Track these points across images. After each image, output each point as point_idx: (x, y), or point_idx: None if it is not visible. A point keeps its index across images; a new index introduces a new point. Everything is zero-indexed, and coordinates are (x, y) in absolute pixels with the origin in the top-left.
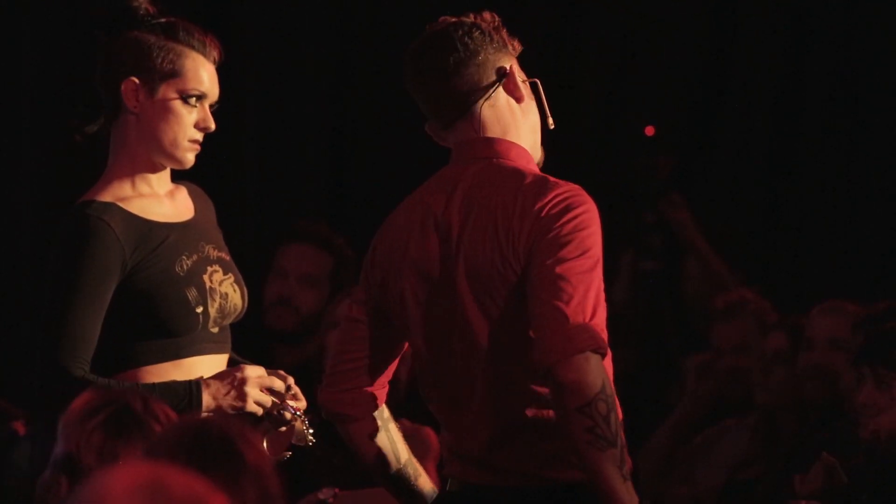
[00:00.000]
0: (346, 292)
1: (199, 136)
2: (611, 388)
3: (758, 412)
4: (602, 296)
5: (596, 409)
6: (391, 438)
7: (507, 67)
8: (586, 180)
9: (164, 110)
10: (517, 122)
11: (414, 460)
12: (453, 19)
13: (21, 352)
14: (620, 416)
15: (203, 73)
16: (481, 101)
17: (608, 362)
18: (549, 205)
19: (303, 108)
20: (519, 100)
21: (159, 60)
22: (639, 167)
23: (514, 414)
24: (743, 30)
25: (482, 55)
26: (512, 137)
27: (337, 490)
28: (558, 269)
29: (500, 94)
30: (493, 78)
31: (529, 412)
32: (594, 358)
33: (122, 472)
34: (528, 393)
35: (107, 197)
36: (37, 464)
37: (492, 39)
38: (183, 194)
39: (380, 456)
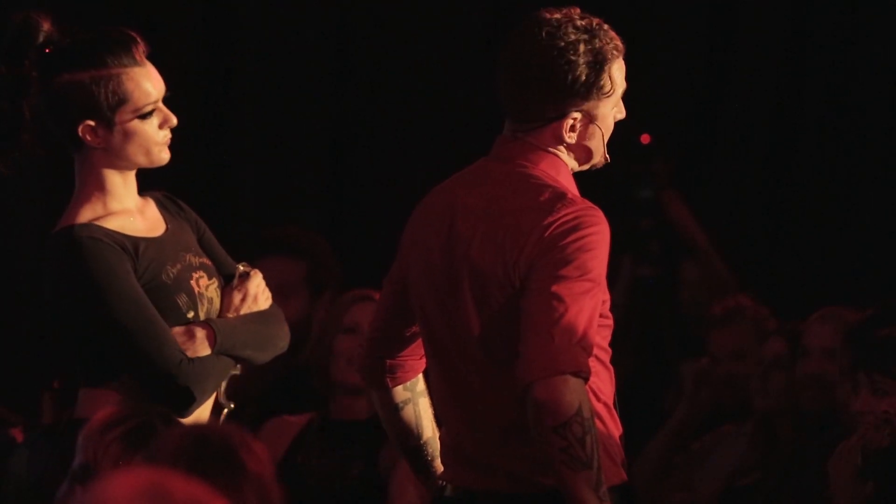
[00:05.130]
0: (331, 292)
1: (168, 133)
2: (589, 411)
3: (756, 418)
4: (593, 319)
5: (570, 430)
6: (417, 413)
7: (567, 120)
8: (583, 185)
9: (128, 135)
10: (562, 150)
11: (437, 440)
12: (562, 36)
13: (20, 358)
14: (619, 429)
15: (146, 84)
16: (532, 125)
17: (608, 380)
18: (558, 222)
19: (302, 109)
20: (564, 142)
21: (103, 96)
22: (636, 173)
23: (507, 417)
24: (741, 33)
25: (556, 94)
26: (554, 151)
27: None
28: (554, 288)
29: (551, 128)
30: (552, 116)
31: (522, 417)
32: (573, 380)
33: (124, 478)
34: (518, 399)
35: (83, 219)
36: (34, 471)
37: (577, 88)
38: (151, 208)
39: (402, 427)
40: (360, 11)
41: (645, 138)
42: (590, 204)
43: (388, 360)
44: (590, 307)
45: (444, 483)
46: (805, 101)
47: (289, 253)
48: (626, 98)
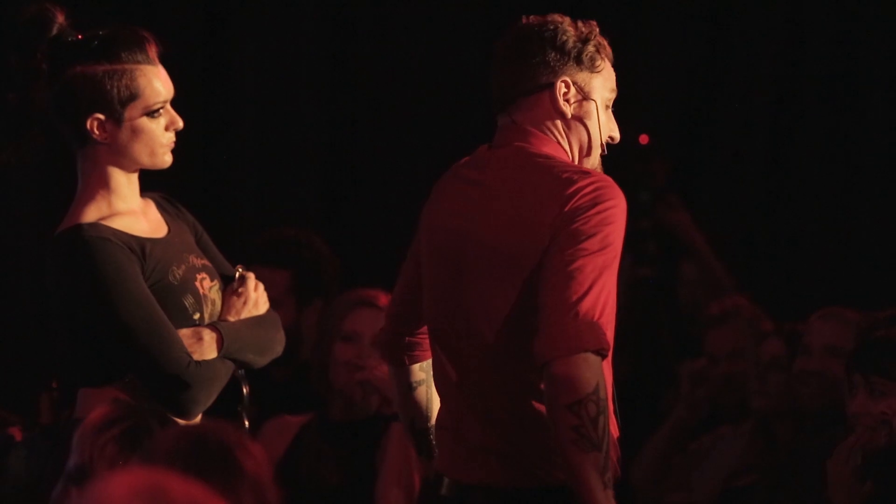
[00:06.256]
0: (323, 299)
1: (172, 136)
2: (605, 392)
3: (753, 419)
4: (613, 293)
5: (585, 408)
6: (429, 396)
7: (560, 82)
8: None
9: (135, 132)
10: (560, 130)
11: None
12: (549, 19)
13: (18, 358)
14: (616, 432)
15: (157, 84)
16: (528, 97)
17: (608, 367)
18: (578, 195)
19: (301, 111)
20: (563, 115)
21: (115, 91)
22: (634, 174)
23: (512, 404)
24: (740, 34)
25: (548, 57)
26: (555, 137)
27: None
28: (577, 262)
29: (546, 98)
30: (545, 81)
31: (527, 405)
32: (593, 358)
33: (122, 478)
34: (526, 385)
35: (90, 218)
36: (33, 470)
37: (567, 50)
38: (152, 209)
39: (413, 407)
40: (360, 12)
41: (644, 139)
42: (604, 175)
43: (407, 337)
44: (612, 281)
45: (441, 476)
46: (804, 101)
47: (271, 263)
48: (627, 98)
